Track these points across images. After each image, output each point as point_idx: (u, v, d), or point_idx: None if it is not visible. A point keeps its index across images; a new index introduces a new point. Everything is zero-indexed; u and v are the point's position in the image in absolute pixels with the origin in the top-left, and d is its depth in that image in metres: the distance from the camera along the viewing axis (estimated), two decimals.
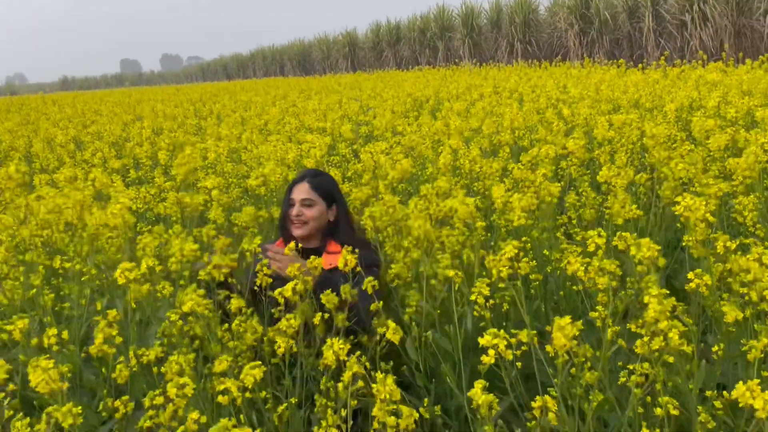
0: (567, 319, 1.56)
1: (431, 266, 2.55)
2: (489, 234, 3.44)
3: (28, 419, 1.48)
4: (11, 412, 1.51)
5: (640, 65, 10.34)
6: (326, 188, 2.99)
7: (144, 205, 4.41)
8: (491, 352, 1.41)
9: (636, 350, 1.67)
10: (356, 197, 3.81)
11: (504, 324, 2.95)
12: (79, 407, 1.45)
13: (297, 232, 2.83)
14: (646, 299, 1.63)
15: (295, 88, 15.71)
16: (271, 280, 2.25)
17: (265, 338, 2.15)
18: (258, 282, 2.27)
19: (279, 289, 2.11)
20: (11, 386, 1.56)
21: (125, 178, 5.66)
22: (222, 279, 2.30)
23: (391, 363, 2.01)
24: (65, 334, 1.91)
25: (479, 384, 1.47)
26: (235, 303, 2.20)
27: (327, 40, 38.12)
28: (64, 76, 78.67)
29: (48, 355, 1.52)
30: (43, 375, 1.43)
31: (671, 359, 1.58)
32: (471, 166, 4.37)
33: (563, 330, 1.53)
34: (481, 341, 1.43)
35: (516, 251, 1.83)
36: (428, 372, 2.53)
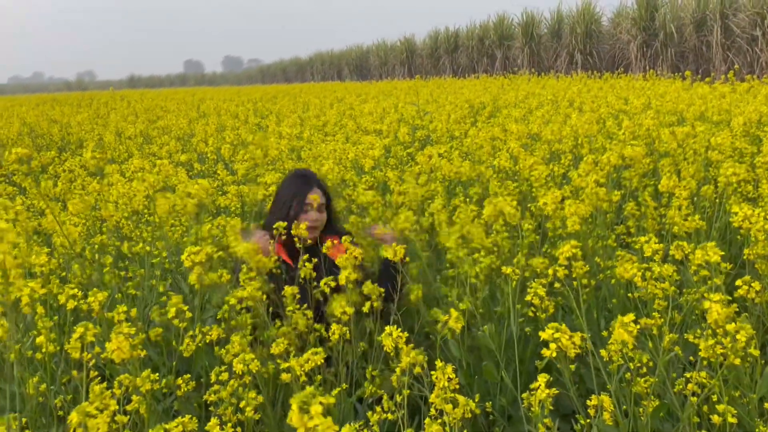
0: (631, 315, 1.56)
1: (473, 265, 2.57)
2: (539, 238, 3.44)
3: (105, 383, 1.57)
4: (95, 373, 1.61)
5: (707, 79, 10.03)
6: (326, 189, 3.08)
7: (207, 196, 4.56)
8: (552, 345, 1.42)
9: (700, 353, 1.65)
10: (412, 198, 3.86)
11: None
12: (156, 374, 1.54)
13: (311, 235, 2.80)
14: (707, 304, 1.61)
15: (352, 92, 15.90)
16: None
17: (316, 325, 2.23)
18: (302, 275, 2.35)
19: (325, 279, 2.19)
20: (86, 355, 1.66)
21: (189, 171, 5.87)
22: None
23: None
24: (134, 312, 2.02)
25: (543, 378, 1.48)
26: (289, 290, 2.28)
27: (385, 46, 38.39)
28: (132, 74, 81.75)
29: (128, 325, 1.62)
30: (123, 341, 1.52)
31: (737, 361, 1.55)
32: (528, 172, 4.35)
33: (627, 326, 1.53)
34: (543, 335, 1.45)
35: (575, 251, 1.84)
36: (470, 370, 2.55)
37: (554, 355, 1.44)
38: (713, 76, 14.54)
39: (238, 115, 9.95)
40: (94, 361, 1.59)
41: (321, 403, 0.96)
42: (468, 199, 4.19)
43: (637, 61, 21.69)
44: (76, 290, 1.85)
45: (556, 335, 1.41)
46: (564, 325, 1.46)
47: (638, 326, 1.57)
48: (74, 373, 1.74)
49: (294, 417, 0.95)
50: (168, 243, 3.00)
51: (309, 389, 0.96)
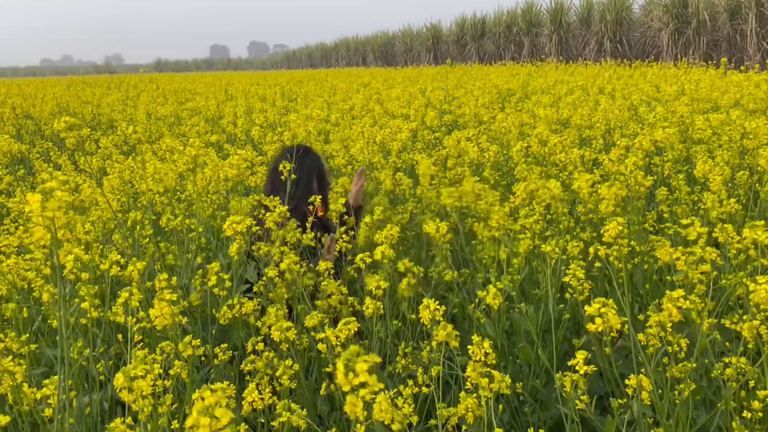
0: (680, 291, 1.54)
1: (512, 247, 2.57)
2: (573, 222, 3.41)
3: (147, 349, 1.61)
4: (140, 337, 1.65)
5: (741, 67, 9.81)
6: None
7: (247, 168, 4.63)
8: (598, 321, 1.42)
9: (744, 333, 1.62)
10: (441, 181, 3.86)
11: (582, 315, 2.94)
12: (198, 340, 1.57)
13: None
14: (752, 285, 1.59)
15: (378, 78, 15.85)
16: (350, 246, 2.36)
17: (350, 299, 2.25)
18: (339, 249, 2.38)
19: (361, 255, 2.20)
20: (131, 319, 1.69)
21: (218, 152, 5.93)
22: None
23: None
24: (174, 280, 2.05)
25: (581, 355, 1.48)
26: (323, 265, 2.30)
27: (411, 33, 38.15)
28: (158, 58, 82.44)
29: (170, 292, 1.65)
30: (166, 308, 1.55)
31: None
32: (557, 156, 4.31)
33: (675, 302, 1.51)
34: (588, 309, 1.44)
35: (621, 228, 1.82)
36: (505, 350, 2.55)
37: (600, 329, 1.43)
38: (747, 65, 14.21)
39: (266, 97, 9.99)
40: (138, 325, 1.63)
41: (366, 361, 0.96)
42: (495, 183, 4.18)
43: (668, 49, 21.27)
44: (120, 257, 1.89)
45: (603, 310, 1.40)
46: (611, 301, 1.45)
47: (684, 305, 1.55)
48: (119, 337, 1.78)
49: (339, 376, 0.96)
50: (200, 219, 3.04)
51: (353, 347, 0.97)
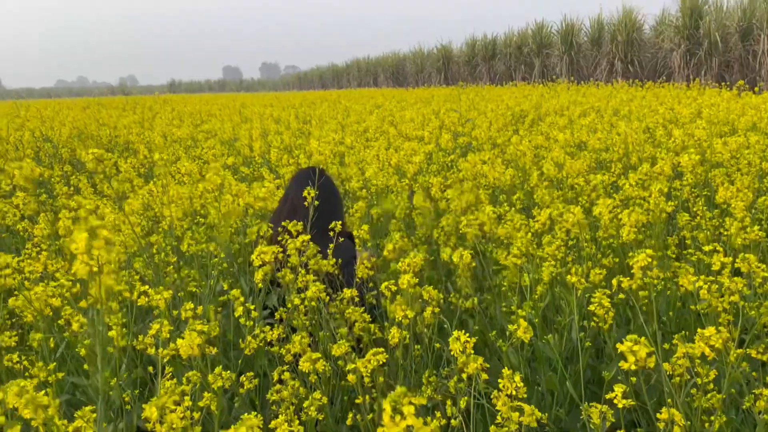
0: (712, 329, 1.53)
1: (534, 273, 2.56)
2: (594, 248, 3.39)
3: (175, 379, 1.61)
4: (170, 369, 1.65)
5: (756, 88, 9.79)
6: None
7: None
8: (630, 358, 1.40)
9: None
10: (457, 205, 3.85)
11: (604, 341, 2.92)
12: (228, 371, 1.57)
13: None
14: None
15: (390, 99, 15.96)
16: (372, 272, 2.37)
17: (371, 326, 2.25)
18: (360, 275, 2.38)
19: (386, 283, 2.20)
20: (161, 351, 1.70)
21: (234, 174, 5.97)
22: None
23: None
24: (200, 309, 2.06)
25: (620, 388, 1.46)
26: (348, 293, 2.30)
27: (421, 53, 38.44)
28: (172, 80, 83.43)
29: (200, 322, 1.66)
30: (196, 338, 1.56)
31: None
32: (576, 180, 4.31)
33: (708, 340, 1.50)
34: (620, 347, 1.43)
35: (650, 260, 1.81)
36: (528, 379, 2.53)
37: (633, 368, 1.41)
38: (761, 85, 14.17)
39: (280, 119, 10.08)
40: (165, 352, 1.63)
41: (412, 403, 0.96)
42: (512, 207, 4.16)
43: (680, 70, 21.27)
44: (147, 287, 1.90)
45: (635, 348, 1.39)
46: (644, 339, 1.43)
47: (718, 340, 1.53)
48: (150, 369, 1.78)
49: (386, 419, 0.95)
50: (220, 244, 3.05)
51: (400, 389, 0.97)
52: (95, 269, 1.06)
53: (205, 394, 1.60)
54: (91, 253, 1.04)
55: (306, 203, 2.60)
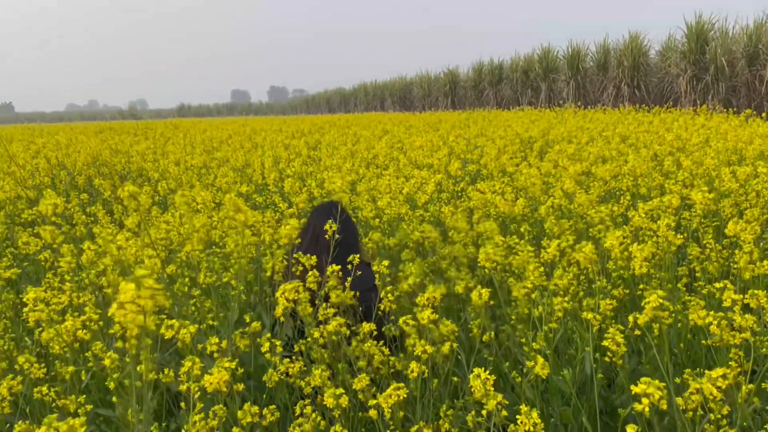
0: (720, 370, 1.57)
1: (547, 305, 2.61)
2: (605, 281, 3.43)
3: (202, 414, 1.67)
4: (201, 405, 1.71)
5: (763, 114, 9.84)
6: None
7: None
8: (645, 400, 1.45)
9: None
10: (464, 237, 3.92)
11: (616, 372, 2.95)
12: (256, 407, 1.63)
13: None
14: None
15: (397, 124, 16.12)
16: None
17: (391, 359, 2.30)
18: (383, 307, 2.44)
19: (404, 318, 2.26)
20: (193, 386, 1.76)
21: (247, 201, 6.07)
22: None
23: None
24: (224, 344, 2.12)
25: (632, 429, 1.51)
26: (367, 326, 2.36)
27: (428, 78, 38.78)
28: (181, 103, 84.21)
29: (229, 359, 1.72)
30: (225, 375, 1.62)
31: None
32: (583, 210, 4.36)
33: (715, 381, 1.55)
34: (635, 389, 1.48)
35: (661, 301, 1.86)
36: (544, 412, 2.57)
37: (647, 411, 1.46)
38: None
39: (290, 146, 10.21)
40: (199, 393, 1.69)
41: None
42: (522, 238, 4.22)
43: (687, 95, 21.38)
44: (174, 321, 1.97)
45: (649, 390, 1.44)
46: (657, 381, 1.49)
47: (725, 382, 1.58)
48: (182, 405, 1.84)
49: None
50: (239, 277, 3.12)
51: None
52: (140, 318, 1.13)
53: (234, 429, 1.65)
54: (137, 302, 1.12)
55: (327, 236, 2.67)
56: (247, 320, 2.40)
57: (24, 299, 2.24)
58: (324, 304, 2.25)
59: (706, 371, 1.62)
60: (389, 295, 2.34)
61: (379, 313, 2.40)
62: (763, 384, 2.22)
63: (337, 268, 2.35)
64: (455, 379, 2.29)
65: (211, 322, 2.78)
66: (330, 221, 2.71)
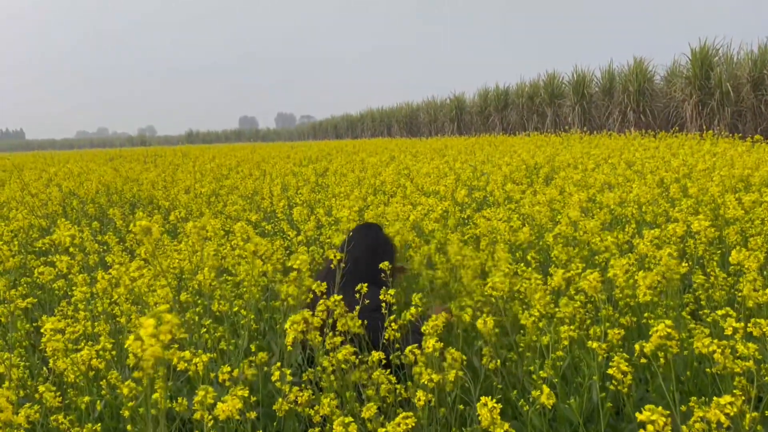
0: (728, 397, 1.61)
1: (554, 333, 2.64)
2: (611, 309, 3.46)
3: None
4: None
5: None
6: None
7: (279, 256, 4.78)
8: (650, 428, 1.49)
9: None
10: (473, 264, 3.96)
11: (623, 402, 2.96)
12: None
13: None
14: None
15: (404, 150, 16.25)
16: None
17: (397, 387, 2.34)
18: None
19: (410, 348, 2.30)
20: (206, 416, 1.80)
21: (255, 228, 6.14)
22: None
23: None
24: (236, 372, 2.17)
25: None
26: (376, 355, 2.40)
27: (435, 104, 39.15)
28: (190, 130, 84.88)
29: (241, 386, 1.77)
30: (238, 404, 1.67)
31: None
32: (589, 237, 4.40)
33: (723, 408, 1.58)
34: (640, 417, 1.52)
35: (669, 330, 1.90)
36: None
37: None
38: None
39: (298, 173, 10.33)
40: (212, 422, 1.74)
41: None
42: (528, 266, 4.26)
43: (693, 120, 21.47)
44: (186, 353, 2.02)
45: (653, 417, 1.48)
46: (661, 408, 1.52)
47: (733, 408, 1.61)
48: None
49: None
50: (250, 305, 3.18)
51: None
52: (159, 351, 1.19)
53: None
54: (157, 337, 1.17)
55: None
56: (253, 349, 2.45)
57: (42, 330, 2.30)
58: (330, 333, 2.30)
59: (714, 398, 1.65)
60: (393, 324, 2.39)
61: (384, 341, 2.45)
62: (766, 412, 2.24)
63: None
64: (461, 407, 2.32)
65: (224, 347, 2.83)
66: (386, 261, 2.95)
